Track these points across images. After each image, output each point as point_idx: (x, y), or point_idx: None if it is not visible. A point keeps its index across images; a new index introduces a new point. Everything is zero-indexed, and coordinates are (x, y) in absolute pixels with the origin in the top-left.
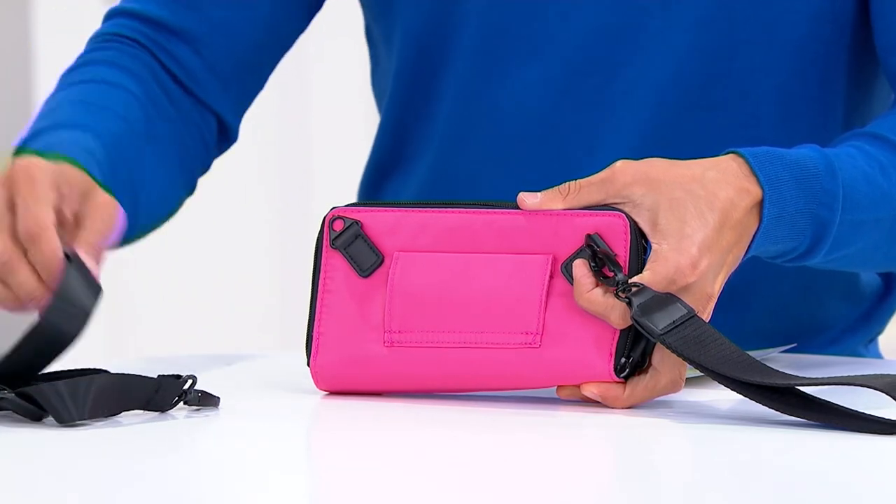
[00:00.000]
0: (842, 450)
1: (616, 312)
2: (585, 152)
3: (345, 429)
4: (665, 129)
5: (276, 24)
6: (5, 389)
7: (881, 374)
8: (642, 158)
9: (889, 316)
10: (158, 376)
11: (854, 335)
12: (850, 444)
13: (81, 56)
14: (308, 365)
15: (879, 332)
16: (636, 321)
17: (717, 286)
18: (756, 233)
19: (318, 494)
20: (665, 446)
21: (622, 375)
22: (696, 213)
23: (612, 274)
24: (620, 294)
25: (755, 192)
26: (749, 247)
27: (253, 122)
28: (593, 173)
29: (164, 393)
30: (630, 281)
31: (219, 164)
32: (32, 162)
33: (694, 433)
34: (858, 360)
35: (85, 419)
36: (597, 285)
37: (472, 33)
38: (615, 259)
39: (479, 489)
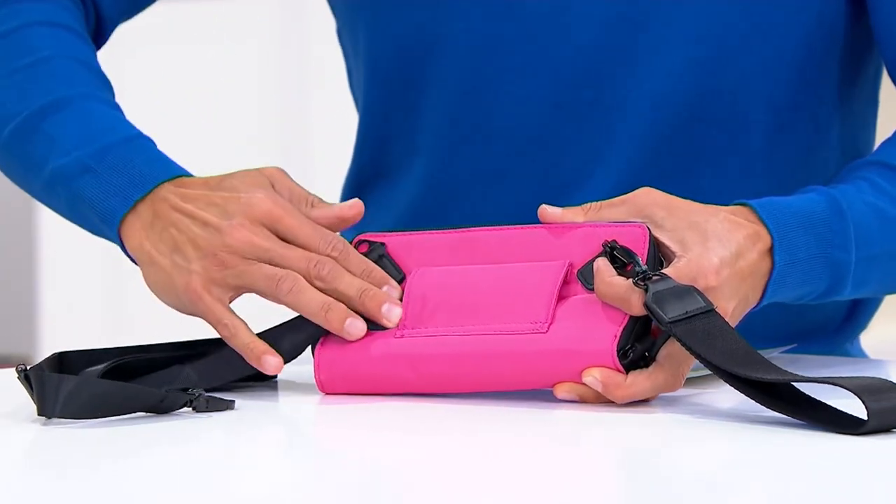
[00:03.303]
0: (843, 450)
1: (636, 296)
2: (579, 168)
3: (346, 430)
4: (658, 143)
5: None
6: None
7: (857, 377)
8: (635, 173)
9: (871, 314)
10: (165, 389)
11: (840, 334)
12: (851, 444)
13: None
14: (313, 354)
15: (862, 329)
16: (648, 307)
17: (731, 306)
18: (769, 279)
19: (318, 495)
20: (664, 446)
21: (624, 363)
22: (715, 238)
23: (631, 267)
24: (639, 282)
25: (766, 237)
26: (764, 293)
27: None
28: (588, 189)
29: (169, 402)
30: (651, 273)
31: (220, 164)
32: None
33: (694, 433)
34: (859, 361)
35: (67, 418)
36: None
37: (460, 49)
38: (634, 254)
39: (481, 489)
